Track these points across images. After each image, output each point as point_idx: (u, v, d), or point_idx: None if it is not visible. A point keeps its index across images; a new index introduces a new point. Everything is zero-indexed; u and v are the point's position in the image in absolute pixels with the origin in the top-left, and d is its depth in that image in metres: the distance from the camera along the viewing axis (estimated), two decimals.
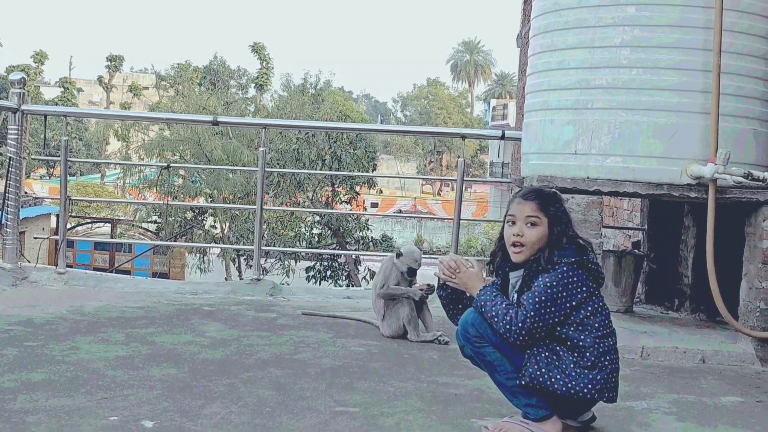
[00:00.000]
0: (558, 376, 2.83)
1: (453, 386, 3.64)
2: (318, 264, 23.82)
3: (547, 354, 2.86)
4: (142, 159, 25.19)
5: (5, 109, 6.01)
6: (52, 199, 27.89)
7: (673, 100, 4.46)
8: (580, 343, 2.85)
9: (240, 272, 23.94)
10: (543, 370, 2.84)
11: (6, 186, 5.94)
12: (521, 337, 2.82)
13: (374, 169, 25.25)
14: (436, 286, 3.17)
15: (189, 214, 24.61)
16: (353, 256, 23.58)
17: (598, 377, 2.85)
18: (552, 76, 4.83)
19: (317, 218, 23.77)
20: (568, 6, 4.72)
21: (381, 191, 30.23)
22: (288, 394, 3.38)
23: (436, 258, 3.47)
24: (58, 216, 6.89)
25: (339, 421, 3.06)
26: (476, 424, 3.09)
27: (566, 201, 3.42)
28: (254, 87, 52.54)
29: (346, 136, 22.83)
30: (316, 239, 23.88)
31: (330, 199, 24.01)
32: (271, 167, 19.38)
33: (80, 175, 44.12)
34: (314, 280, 23.19)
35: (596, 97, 4.58)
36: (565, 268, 2.86)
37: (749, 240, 4.56)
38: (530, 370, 2.85)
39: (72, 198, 6.79)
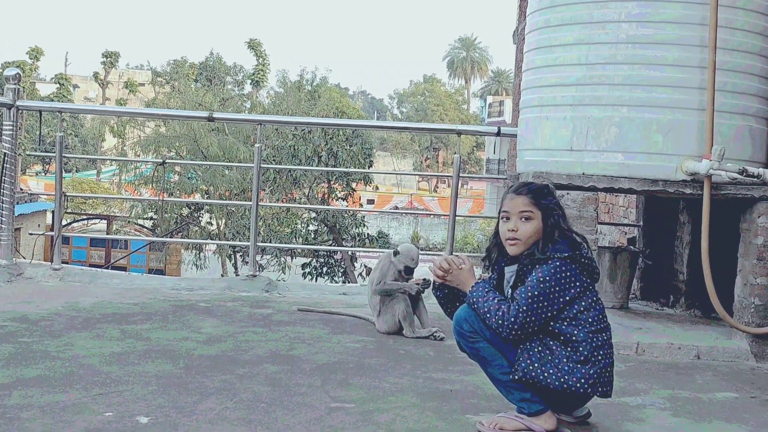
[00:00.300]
0: (551, 371, 2.83)
1: (448, 382, 3.65)
2: (314, 260, 23.85)
3: (540, 349, 2.86)
4: (138, 155, 25.17)
5: (0, 105, 6.00)
6: (48, 195, 27.81)
7: (669, 96, 4.46)
8: (573, 338, 2.86)
9: (236, 269, 23.94)
10: (536, 365, 2.84)
11: (1, 182, 5.93)
12: (513, 332, 2.82)
13: (370, 166, 25.27)
14: (431, 281, 3.17)
15: (185, 211, 24.62)
16: (349, 253, 23.61)
17: (591, 372, 2.85)
18: (547, 72, 4.83)
19: (313, 215, 23.78)
20: (563, 2, 4.72)
21: (377, 188, 30.28)
22: (283, 390, 3.39)
23: (432, 255, 3.48)
24: (53, 212, 6.88)
25: (334, 417, 3.06)
26: (471, 420, 3.09)
27: (561, 196, 3.42)
28: (250, 83, 52.49)
29: (343, 133, 22.85)
30: (312, 236, 23.91)
31: (326, 196, 24.03)
32: (268, 164, 19.39)
33: (76, 171, 44.06)
34: (310, 277, 23.20)
35: (592, 94, 4.59)
36: (558, 263, 2.86)
37: (744, 236, 4.57)
38: (523, 364, 2.86)
39: (67, 194, 6.79)
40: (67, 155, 6.83)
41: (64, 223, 8.76)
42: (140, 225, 26.45)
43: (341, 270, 23.97)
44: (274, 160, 21.86)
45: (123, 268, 20.44)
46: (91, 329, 4.34)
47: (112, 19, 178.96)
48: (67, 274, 5.88)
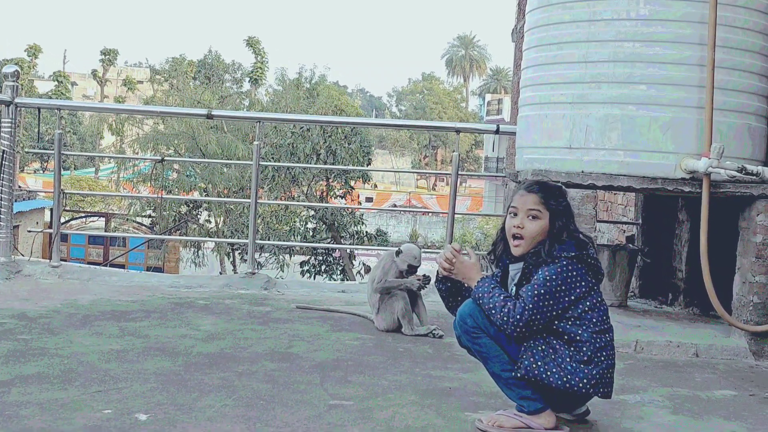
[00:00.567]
0: (554, 370, 2.83)
1: (447, 380, 3.65)
2: (312, 258, 23.84)
3: (543, 347, 2.86)
4: (137, 153, 25.16)
5: None
6: (46, 192, 27.82)
7: (669, 94, 4.46)
8: (577, 338, 2.85)
9: (234, 266, 23.94)
10: (539, 363, 2.84)
11: None
12: (518, 330, 2.82)
13: (369, 164, 25.27)
14: (432, 277, 3.17)
15: (183, 208, 24.61)
16: (348, 251, 23.59)
17: (594, 372, 2.85)
18: (546, 70, 4.83)
19: (312, 212, 23.77)
20: (562, 0, 4.72)
21: (376, 186, 30.26)
22: (282, 387, 3.39)
23: (431, 252, 3.48)
24: (51, 210, 6.87)
25: (333, 414, 3.06)
26: (470, 418, 3.09)
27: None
28: (249, 81, 52.43)
29: (341, 131, 22.84)
30: (311, 233, 23.90)
31: (325, 194, 24.01)
32: (266, 161, 19.37)
33: (74, 169, 44.04)
34: (309, 275, 23.20)
35: (591, 92, 4.58)
36: (564, 263, 2.86)
37: (743, 234, 4.57)
38: (526, 362, 2.85)
39: (66, 192, 6.78)
40: (65, 152, 6.81)
41: (62, 220, 8.75)
42: (138, 223, 26.43)
43: (340, 268, 23.96)
44: (272, 158, 21.83)
45: (121, 266, 20.41)
46: (90, 326, 4.33)
47: (110, 16, 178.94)
48: (65, 272, 5.87)
